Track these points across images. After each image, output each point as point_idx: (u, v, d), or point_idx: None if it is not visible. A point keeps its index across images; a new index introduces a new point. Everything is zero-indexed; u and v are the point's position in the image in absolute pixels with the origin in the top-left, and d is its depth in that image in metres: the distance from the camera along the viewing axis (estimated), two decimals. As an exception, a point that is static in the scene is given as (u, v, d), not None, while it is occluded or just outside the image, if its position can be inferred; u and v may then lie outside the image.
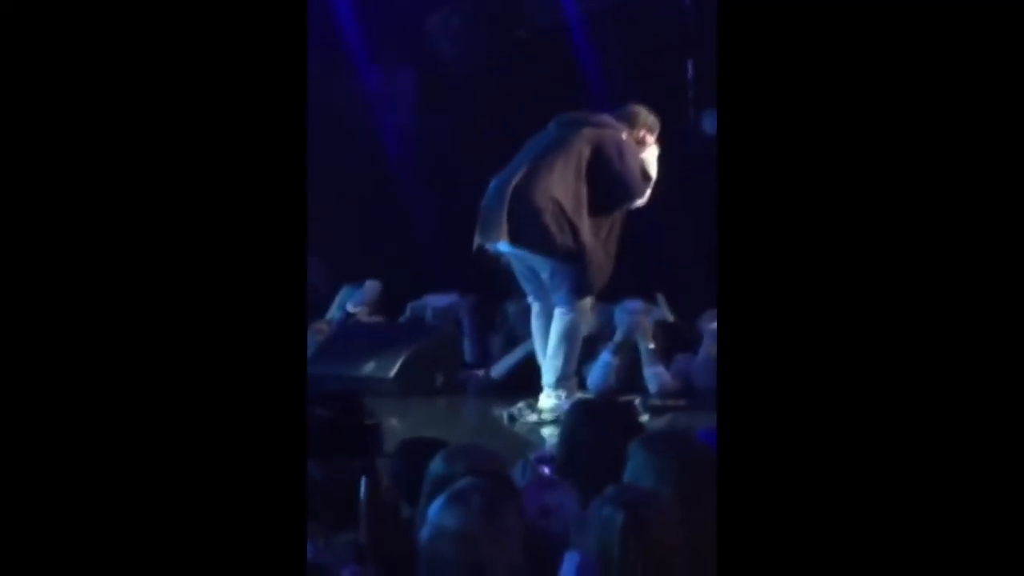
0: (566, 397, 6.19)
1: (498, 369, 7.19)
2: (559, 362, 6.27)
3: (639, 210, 6.47)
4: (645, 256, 8.12)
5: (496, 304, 7.82)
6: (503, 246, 6.26)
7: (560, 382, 6.28)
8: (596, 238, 6.21)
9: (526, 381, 6.60)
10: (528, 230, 6.15)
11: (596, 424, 3.83)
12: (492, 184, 6.30)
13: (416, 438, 4.04)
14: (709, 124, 8.73)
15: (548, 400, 6.27)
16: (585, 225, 6.15)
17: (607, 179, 6.20)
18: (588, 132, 6.25)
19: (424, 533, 2.97)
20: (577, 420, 3.93)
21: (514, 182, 6.19)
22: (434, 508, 2.96)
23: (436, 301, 8.06)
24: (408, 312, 8.13)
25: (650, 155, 6.46)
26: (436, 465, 3.40)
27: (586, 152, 6.20)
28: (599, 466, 3.64)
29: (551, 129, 6.38)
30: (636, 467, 3.31)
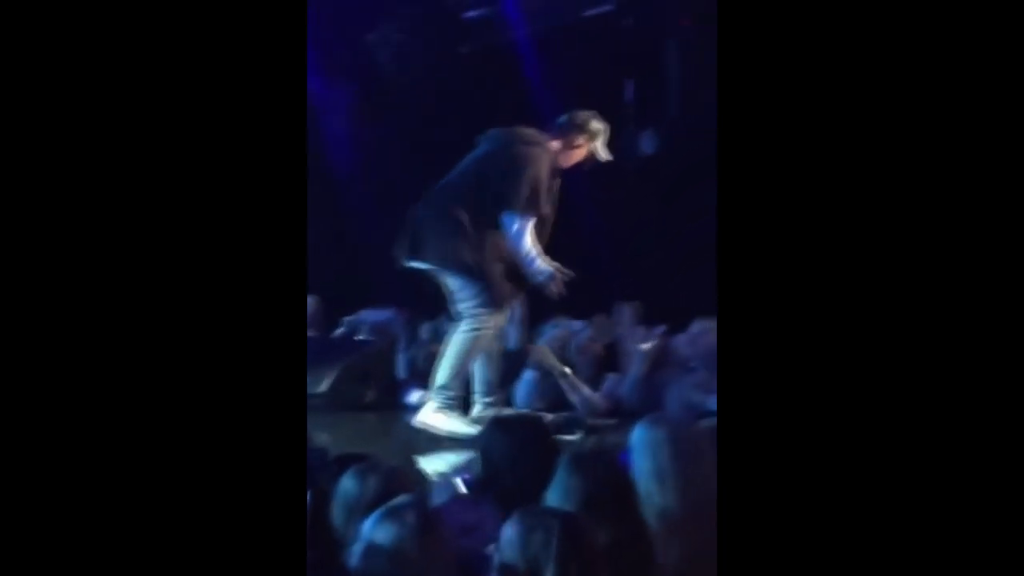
0: (442, 409, 6.16)
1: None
2: (442, 372, 6.22)
3: (581, 226, 6.40)
4: (589, 271, 8.13)
5: (434, 320, 7.80)
6: (415, 262, 6.25)
7: (437, 392, 6.21)
8: (499, 255, 6.14)
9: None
10: (430, 245, 6.17)
11: (510, 441, 3.82)
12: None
13: (345, 454, 4.01)
14: (647, 144, 8.78)
15: (425, 411, 6.23)
16: (490, 241, 6.11)
17: (497, 186, 6.11)
18: (508, 147, 6.18)
19: (356, 549, 2.95)
20: (491, 436, 3.92)
21: (424, 199, 6.23)
22: (368, 524, 2.95)
23: (372, 316, 8.02)
24: (343, 327, 8.09)
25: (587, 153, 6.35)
26: (346, 482, 3.39)
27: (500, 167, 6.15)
28: (516, 483, 3.64)
29: (478, 144, 6.37)
30: (555, 485, 3.31)
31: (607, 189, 8.84)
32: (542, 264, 6.08)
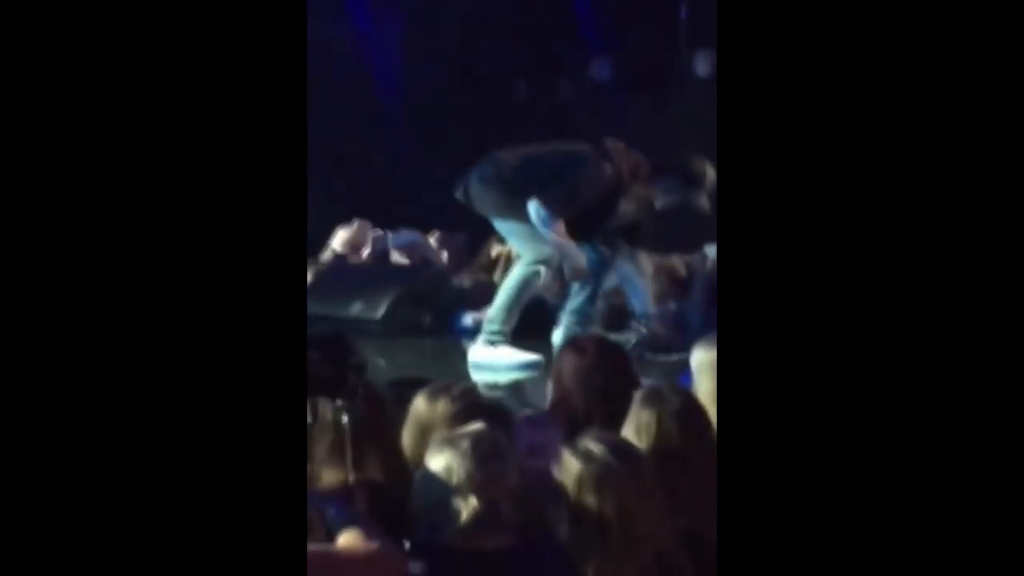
0: (489, 344, 6.32)
1: None
2: (494, 307, 6.41)
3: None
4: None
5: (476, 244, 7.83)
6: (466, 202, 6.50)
7: (486, 325, 6.40)
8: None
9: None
10: (477, 199, 6.42)
11: (581, 362, 3.80)
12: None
13: (402, 378, 4.03)
14: (702, 66, 8.68)
15: (475, 349, 6.41)
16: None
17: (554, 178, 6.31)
18: (593, 157, 6.34)
19: (416, 473, 2.97)
20: (564, 357, 3.90)
21: (508, 154, 6.43)
22: (429, 451, 2.95)
23: (397, 239, 8.05)
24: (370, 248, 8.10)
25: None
26: (418, 404, 3.40)
27: None
28: (585, 404, 3.63)
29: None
30: (628, 422, 3.30)
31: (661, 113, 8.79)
32: (571, 250, 6.28)
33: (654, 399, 3.30)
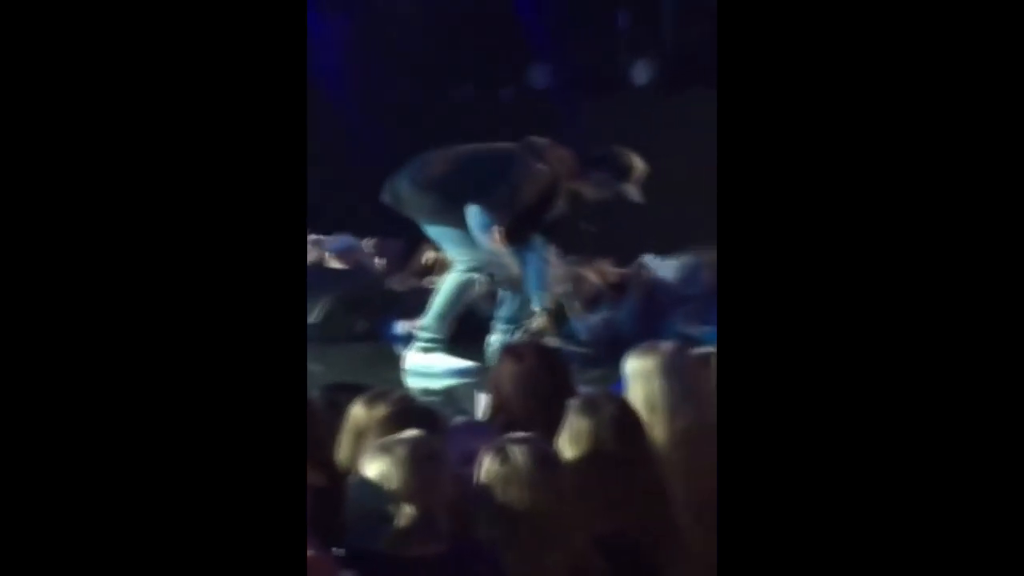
0: (422, 351, 6.34)
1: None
2: (429, 313, 6.42)
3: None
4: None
5: (411, 250, 7.82)
6: (397, 208, 6.49)
7: (420, 332, 6.40)
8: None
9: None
10: (411, 204, 6.41)
11: (519, 368, 3.81)
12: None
13: (338, 383, 4.02)
14: (639, 74, 8.73)
15: (410, 354, 6.42)
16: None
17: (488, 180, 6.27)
18: (524, 154, 6.30)
19: (350, 480, 2.97)
20: (502, 364, 3.92)
21: (436, 156, 6.41)
22: (361, 458, 2.95)
23: (333, 244, 8.04)
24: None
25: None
26: (356, 410, 3.39)
27: None
28: (524, 410, 3.65)
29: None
30: (565, 428, 3.32)
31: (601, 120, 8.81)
32: (505, 257, 6.26)
33: (589, 407, 3.33)
